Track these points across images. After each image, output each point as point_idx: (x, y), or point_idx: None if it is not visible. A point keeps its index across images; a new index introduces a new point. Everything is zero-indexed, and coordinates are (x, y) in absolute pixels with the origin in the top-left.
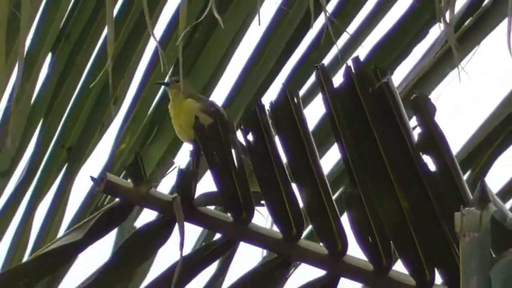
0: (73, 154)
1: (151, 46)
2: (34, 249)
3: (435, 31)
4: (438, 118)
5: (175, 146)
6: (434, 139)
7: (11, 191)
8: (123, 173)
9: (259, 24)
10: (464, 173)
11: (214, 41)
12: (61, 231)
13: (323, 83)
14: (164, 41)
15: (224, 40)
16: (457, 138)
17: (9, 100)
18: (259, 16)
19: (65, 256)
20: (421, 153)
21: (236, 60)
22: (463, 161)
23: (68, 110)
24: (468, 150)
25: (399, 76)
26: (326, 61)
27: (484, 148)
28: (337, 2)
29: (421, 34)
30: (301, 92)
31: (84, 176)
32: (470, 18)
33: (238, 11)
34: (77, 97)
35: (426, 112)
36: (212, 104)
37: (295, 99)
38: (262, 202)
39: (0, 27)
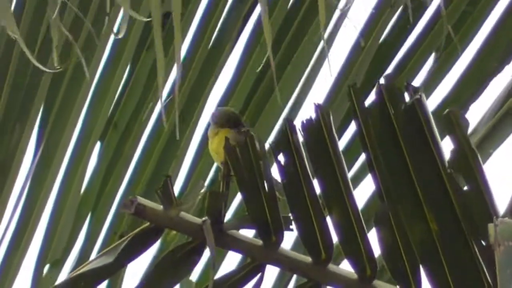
0: None
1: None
2: None
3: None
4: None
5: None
6: (466, 157)
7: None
8: None
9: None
10: None
11: None
12: None
13: (354, 102)
14: None
15: None
16: None
17: (59, 191)
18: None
19: (96, 279)
20: (452, 171)
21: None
22: None
23: (118, 197)
24: None
25: None
26: None
27: None
28: None
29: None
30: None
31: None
32: None
33: None
34: (128, 184)
35: (459, 128)
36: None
37: (326, 118)
38: (292, 227)
39: None
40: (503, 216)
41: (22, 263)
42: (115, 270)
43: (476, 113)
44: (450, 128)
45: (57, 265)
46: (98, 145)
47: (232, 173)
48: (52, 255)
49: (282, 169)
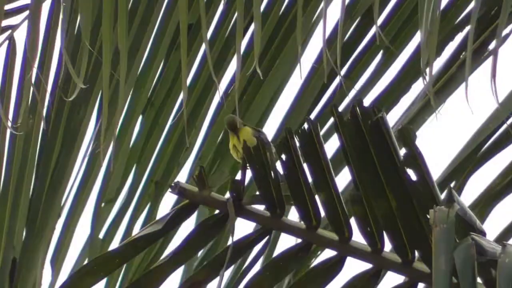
0: (159, 186)
1: (215, 100)
2: None
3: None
4: (419, 144)
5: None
6: (415, 158)
7: (114, 214)
8: None
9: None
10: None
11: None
12: None
13: (336, 118)
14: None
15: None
16: (440, 162)
17: (113, 148)
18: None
19: (149, 241)
20: (405, 167)
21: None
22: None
23: (155, 154)
24: (448, 171)
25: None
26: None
27: (460, 170)
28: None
29: (407, 87)
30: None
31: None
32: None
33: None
34: (161, 145)
35: (409, 138)
36: (260, 132)
37: (315, 129)
38: (291, 202)
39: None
40: (441, 205)
41: (87, 200)
42: (162, 235)
43: (406, 101)
44: (404, 139)
45: (111, 203)
46: (140, 118)
47: (248, 165)
48: (107, 194)
49: (283, 163)
